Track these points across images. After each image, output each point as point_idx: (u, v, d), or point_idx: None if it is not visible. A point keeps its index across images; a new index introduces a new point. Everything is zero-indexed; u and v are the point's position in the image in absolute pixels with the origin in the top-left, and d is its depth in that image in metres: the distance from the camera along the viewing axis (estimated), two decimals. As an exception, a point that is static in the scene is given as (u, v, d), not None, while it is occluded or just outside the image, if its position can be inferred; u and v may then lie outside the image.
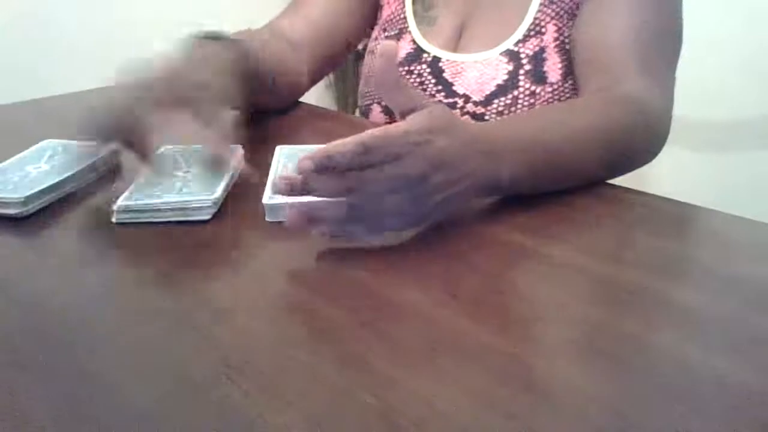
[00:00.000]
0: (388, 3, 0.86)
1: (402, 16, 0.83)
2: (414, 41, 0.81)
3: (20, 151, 0.66)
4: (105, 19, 1.76)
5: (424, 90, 0.78)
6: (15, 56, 1.61)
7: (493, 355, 0.37)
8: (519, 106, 0.73)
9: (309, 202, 0.48)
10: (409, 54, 0.81)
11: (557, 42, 0.73)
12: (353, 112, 1.42)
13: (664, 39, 0.71)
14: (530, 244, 0.50)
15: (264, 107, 0.77)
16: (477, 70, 0.75)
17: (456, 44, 0.79)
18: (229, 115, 0.57)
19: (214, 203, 0.54)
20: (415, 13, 0.83)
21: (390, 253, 0.49)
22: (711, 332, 0.40)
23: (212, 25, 0.69)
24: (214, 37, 0.66)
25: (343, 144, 0.45)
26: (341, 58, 0.90)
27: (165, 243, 0.51)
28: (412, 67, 0.80)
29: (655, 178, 0.83)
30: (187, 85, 0.56)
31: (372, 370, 0.36)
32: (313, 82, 0.88)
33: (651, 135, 0.66)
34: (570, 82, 0.73)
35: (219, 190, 0.55)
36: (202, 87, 0.57)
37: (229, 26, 0.74)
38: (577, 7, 0.73)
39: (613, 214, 0.56)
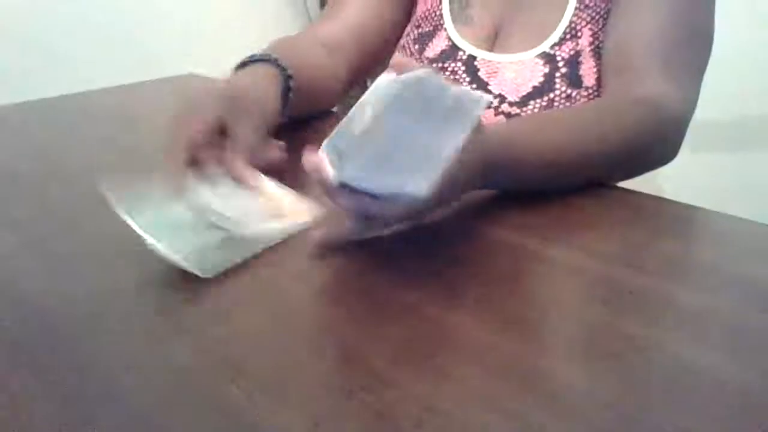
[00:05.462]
0: (424, 0, 0.86)
1: (438, 12, 0.83)
2: (449, 38, 0.81)
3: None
4: (105, 19, 1.76)
5: None
6: (15, 56, 1.61)
7: (493, 355, 0.37)
8: (555, 108, 0.73)
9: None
10: (444, 51, 0.81)
11: (592, 46, 0.73)
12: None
13: (691, 42, 0.70)
14: (530, 245, 0.50)
15: (302, 115, 0.78)
16: (513, 71, 0.75)
17: (491, 44, 0.80)
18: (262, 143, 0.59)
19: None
20: (451, 10, 0.83)
21: (390, 253, 0.49)
22: (711, 332, 0.40)
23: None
24: (261, 60, 0.69)
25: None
26: (381, 57, 0.90)
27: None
28: (446, 65, 0.80)
29: (655, 178, 0.83)
30: (230, 116, 0.58)
31: (372, 370, 0.36)
32: (354, 83, 0.88)
33: (662, 140, 0.66)
34: None
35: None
36: (241, 116, 0.59)
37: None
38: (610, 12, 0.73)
39: (614, 215, 0.56)
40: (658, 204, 0.58)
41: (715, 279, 0.46)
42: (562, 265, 0.48)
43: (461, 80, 0.78)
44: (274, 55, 0.69)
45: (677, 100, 0.66)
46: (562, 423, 0.32)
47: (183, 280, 0.46)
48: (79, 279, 0.47)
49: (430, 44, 0.82)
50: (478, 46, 0.79)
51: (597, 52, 0.73)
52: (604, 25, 0.73)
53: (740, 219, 0.54)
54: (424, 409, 0.33)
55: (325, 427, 0.32)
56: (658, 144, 0.66)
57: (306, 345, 0.39)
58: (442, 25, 0.82)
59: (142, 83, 1.05)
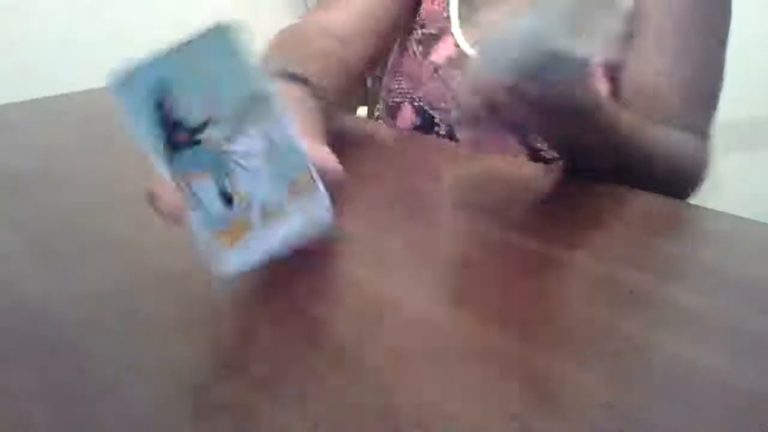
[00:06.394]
0: None
1: (445, 14, 0.81)
2: (457, 44, 0.79)
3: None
4: (105, 19, 1.76)
5: None
6: (15, 56, 1.61)
7: (493, 355, 0.37)
8: None
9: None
10: (450, 58, 0.78)
11: (603, 65, 0.73)
12: (372, 105, 1.32)
13: (704, 87, 0.72)
14: (530, 244, 0.50)
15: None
16: None
17: None
18: None
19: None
20: (460, 14, 0.81)
21: (391, 253, 0.49)
22: (711, 332, 0.40)
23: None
24: (292, 77, 0.61)
25: None
26: (389, 47, 0.86)
27: (164, 244, 0.51)
28: (453, 73, 0.77)
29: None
30: None
31: (372, 370, 0.36)
32: (369, 72, 0.84)
33: (695, 179, 0.72)
34: None
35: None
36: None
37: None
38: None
39: (614, 214, 0.56)
40: (659, 203, 0.58)
41: (715, 279, 0.46)
42: (563, 264, 0.48)
43: None
44: (304, 73, 0.61)
45: (701, 145, 0.72)
46: (562, 423, 0.32)
47: (183, 280, 0.46)
48: (79, 279, 0.47)
49: (435, 48, 0.79)
50: None
51: (608, 72, 0.73)
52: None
53: (741, 219, 0.54)
54: (424, 410, 0.33)
55: (325, 427, 0.32)
56: (691, 181, 0.72)
57: (306, 345, 0.39)
58: (448, 28, 0.80)
59: (142, 83, 1.05)
